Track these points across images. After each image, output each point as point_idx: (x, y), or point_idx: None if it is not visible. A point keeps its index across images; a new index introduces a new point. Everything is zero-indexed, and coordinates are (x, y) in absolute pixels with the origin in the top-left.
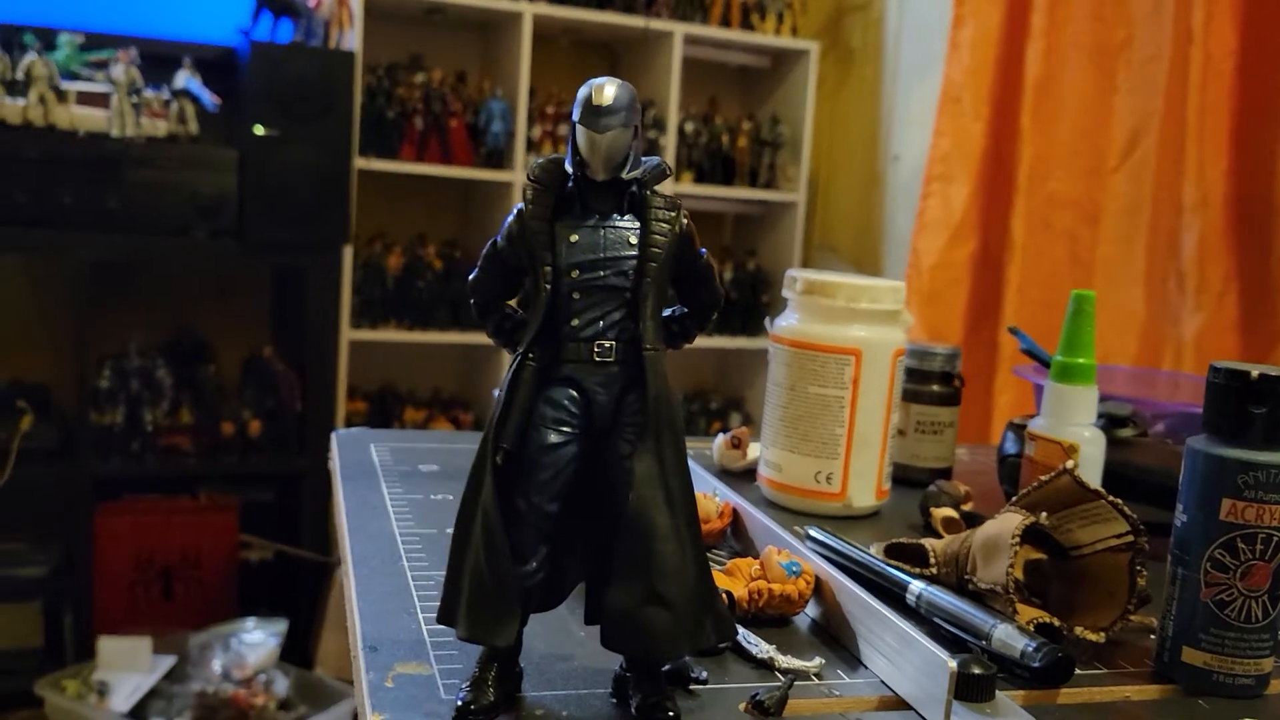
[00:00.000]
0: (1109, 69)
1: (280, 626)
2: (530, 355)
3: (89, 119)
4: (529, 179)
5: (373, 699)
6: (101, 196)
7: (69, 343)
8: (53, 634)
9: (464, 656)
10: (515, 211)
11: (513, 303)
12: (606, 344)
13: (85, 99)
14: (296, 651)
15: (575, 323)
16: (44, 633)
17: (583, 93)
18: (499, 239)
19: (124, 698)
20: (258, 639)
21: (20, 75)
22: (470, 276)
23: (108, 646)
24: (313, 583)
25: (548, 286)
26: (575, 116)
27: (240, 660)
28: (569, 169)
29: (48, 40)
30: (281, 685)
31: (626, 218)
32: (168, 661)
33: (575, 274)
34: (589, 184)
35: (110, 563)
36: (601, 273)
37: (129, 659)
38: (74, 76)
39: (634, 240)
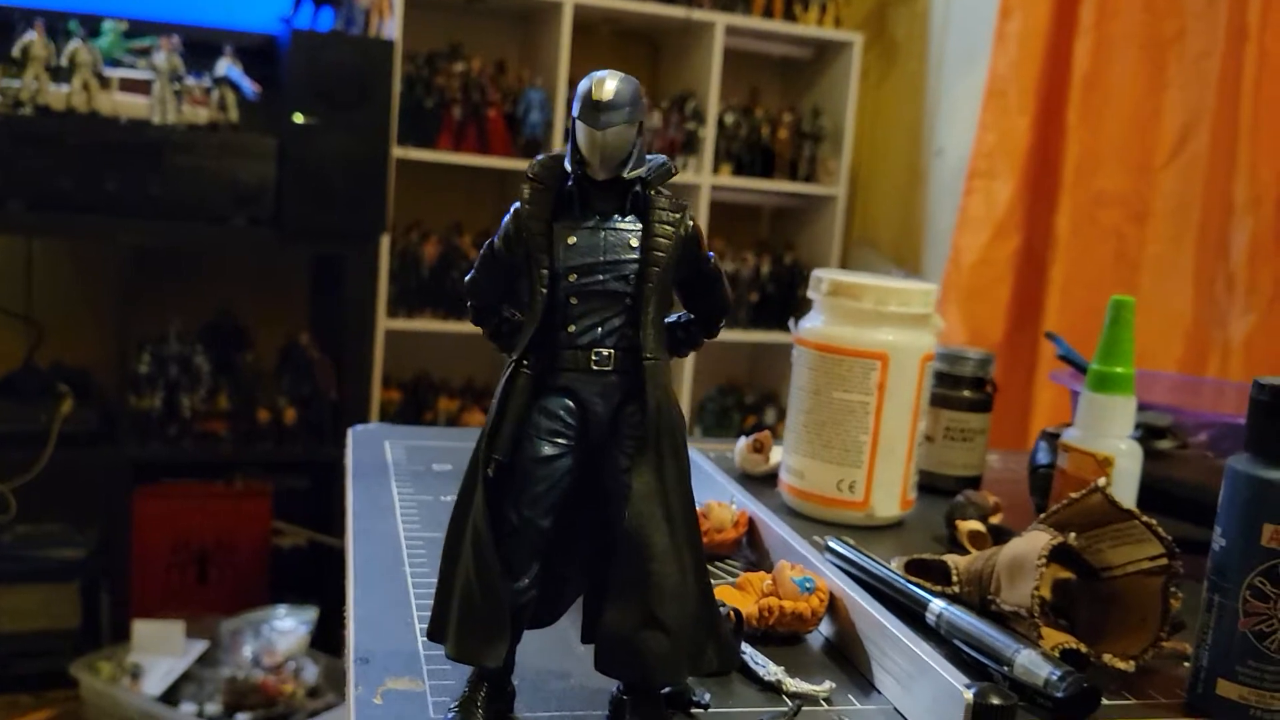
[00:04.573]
0: (1160, 64)
1: (310, 614)
2: (525, 362)
3: (131, 106)
4: (527, 177)
5: (359, 716)
6: (143, 183)
7: (110, 328)
8: (90, 615)
9: (457, 673)
10: (512, 211)
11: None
12: (605, 352)
13: (128, 86)
14: (326, 639)
15: (572, 329)
16: (81, 613)
17: (582, 87)
18: (496, 239)
19: (157, 681)
20: (288, 626)
21: (64, 62)
22: (466, 278)
23: (142, 630)
24: (343, 571)
25: (544, 290)
26: (575, 112)
27: (270, 647)
28: (569, 167)
29: (92, 27)
30: (311, 673)
31: (629, 219)
32: (200, 646)
33: (573, 278)
34: (590, 183)
35: (147, 546)
36: (600, 276)
37: (162, 642)
38: (117, 63)
39: (635, 243)
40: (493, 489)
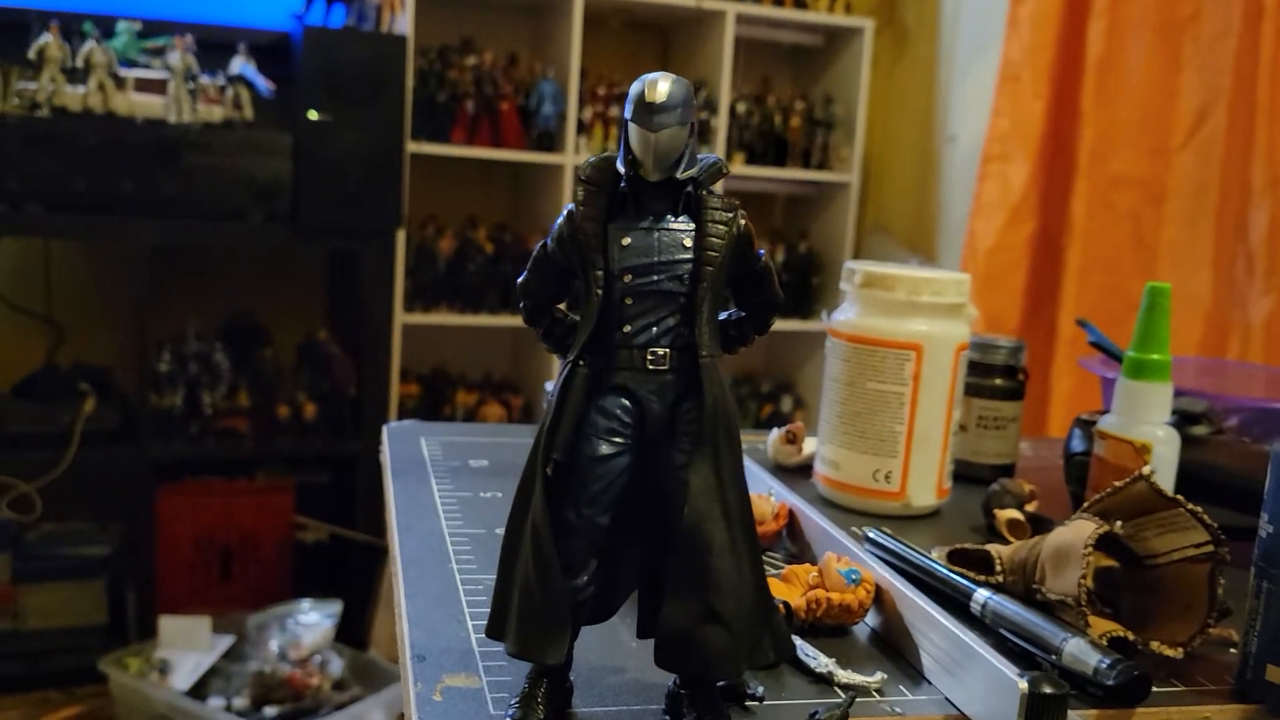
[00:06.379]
0: (1175, 45)
1: (335, 608)
2: (581, 362)
3: (147, 105)
4: (579, 179)
5: (420, 713)
6: (159, 182)
7: (129, 327)
8: (116, 612)
9: (514, 669)
10: (566, 212)
11: (563, 306)
12: (660, 351)
13: (143, 86)
14: (351, 633)
15: (628, 329)
16: (108, 610)
17: (635, 89)
18: (549, 241)
19: (184, 676)
20: (313, 620)
21: (80, 63)
22: (519, 279)
23: (169, 626)
24: (366, 564)
25: (599, 291)
26: (628, 114)
27: (296, 641)
28: (621, 168)
29: (106, 28)
30: (336, 666)
31: (681, 219)
32: (226, 641)
33: (628, 278)
34: (642, 184)
35: (171, 543)
36: (655, 277)
37: (189, 638)
38: (132, 63)
39: (689, 243)
40: (551, 488)
